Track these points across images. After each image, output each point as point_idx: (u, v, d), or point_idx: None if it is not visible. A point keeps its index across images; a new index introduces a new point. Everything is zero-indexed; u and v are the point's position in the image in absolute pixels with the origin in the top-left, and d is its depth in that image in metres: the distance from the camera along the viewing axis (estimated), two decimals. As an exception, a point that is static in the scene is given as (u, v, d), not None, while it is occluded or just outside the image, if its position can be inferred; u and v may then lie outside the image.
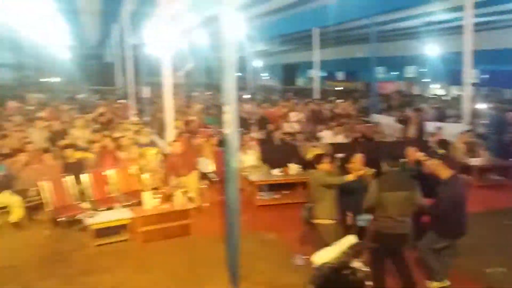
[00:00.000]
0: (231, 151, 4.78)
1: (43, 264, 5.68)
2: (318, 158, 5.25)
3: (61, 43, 30.43)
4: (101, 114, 12.69)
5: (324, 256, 3.55)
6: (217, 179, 8.65)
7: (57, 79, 34.82)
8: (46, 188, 6.64)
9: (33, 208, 7.12)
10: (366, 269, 3.57)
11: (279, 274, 5.34)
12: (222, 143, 10.22)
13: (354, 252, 3.58)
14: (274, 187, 8.40)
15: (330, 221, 4.92)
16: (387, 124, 11.84)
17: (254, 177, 8.06)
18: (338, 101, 16.80)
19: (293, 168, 8.14)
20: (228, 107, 4.64)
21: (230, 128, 4.70)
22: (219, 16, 4.85)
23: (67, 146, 8.05)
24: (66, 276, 5.34)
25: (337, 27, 16.15)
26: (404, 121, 11.39)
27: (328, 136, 10.21)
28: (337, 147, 8.68)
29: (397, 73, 25.21)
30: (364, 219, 4.18)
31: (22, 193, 6.92)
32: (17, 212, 6.75)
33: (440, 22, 14.90)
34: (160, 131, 11.09)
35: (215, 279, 5.21)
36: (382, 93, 21.09)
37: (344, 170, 5.42)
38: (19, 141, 8.55)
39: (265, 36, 20.34)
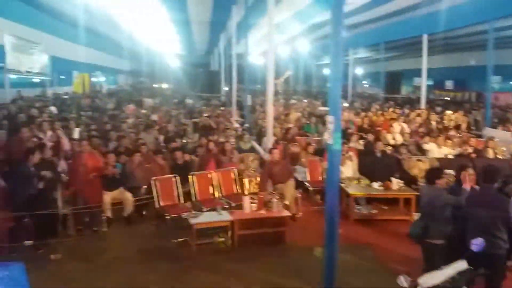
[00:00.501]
0: (333, 162, 4.70)
1: (147, 258, 6.11)
2: (436, 173, 4.96)
3: (172, 52, 32.98)
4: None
5: (432, 279, 3.32)
6: (312, 188, 8.59)
7: (167, 85, 37.67)
8: (156, 187, 7.16)
9: (142, 205, 7.74)
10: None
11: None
12: (319, 152, 10.23)
13: (464, 279, 3.29)
14: (371, 201, 8.12)
15: (442, 242, 4.63)
16: (503, 140, 10.73)
17: (352, 189, 7.84)
18: (448, 112, 15.66)
19: (396, 183, 7.75)
20: (332, 118, 4.56)
21: (333, 138, 4.61)
22: (328, 24, 4.80)
23: (176, 149, 8.61)
24: (168, 271, 5.69)
25: (447, 34, 15.17)
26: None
27: (434, 150, 9.57)
28: (445, 162, 8.12)
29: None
30: (478, 244, 3.81)
31: (134, 190, 7.55)
32: (128, 208, 7.38)
33: None
34: (259, 138, 11.39)
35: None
36: (497, 104, 19.24)
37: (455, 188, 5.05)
38: (133, 142, 9.35)
39: (367, 43, 19.86)
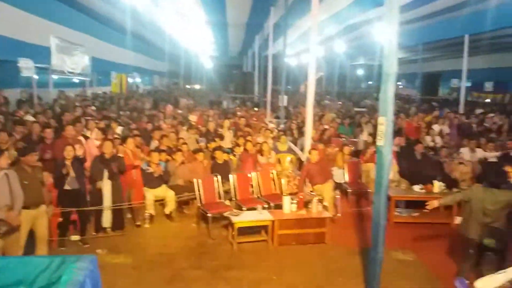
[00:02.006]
0: (383, 164, 4.69)
1: (191, 255, 6.25)
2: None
3: (206, 53, 33.46)
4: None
5: (489, 283, 3.29)
6: (350, 190, 8.56)
7: (199, 86, 38.23)
8: (198, 185, 7.33)
9: (184, 203, 7.93)
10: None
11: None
12: (356, 153, 10.17)
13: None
14: (411, 204, 8.01)
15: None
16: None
17: (392, 192, 7.75)
18: (490, 115, 15.21)
19: (438, 186, 7.64)
20: (383, 119, 4.55)
21: (384, 140, 4.61)
22: (364, 25, 4.80)
23: (216, 148, 8.77)
24: (211, 268, 5.81)
25: (489, 34, 14.75)
26: None
27: (474, 153, 9.34)
28: (487, 165, 7.94)
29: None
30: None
31: (176, 188, 7.74)
32: (171, 205, 7.57)
33: None
34: (295, 139, 11.42)
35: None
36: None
37: None
38: (174, 141, 9.58)
39: (406, 44, 19.51)
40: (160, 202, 7.67)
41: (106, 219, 6.79)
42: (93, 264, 2.84)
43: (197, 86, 39.01)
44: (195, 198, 7.44)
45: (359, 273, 5.53)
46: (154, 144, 9.36)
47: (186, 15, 16.89)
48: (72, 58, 16.20)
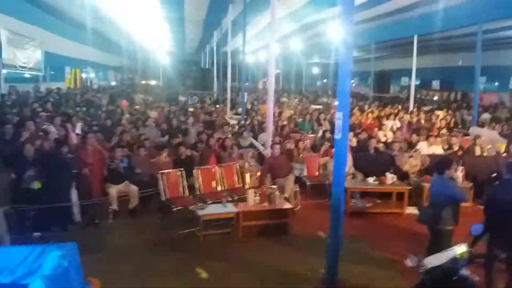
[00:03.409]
0: (340, 157, 5.01)
1: (157, 248, 6.35)
2: (445, 164, 5.35)
3: (161, 49, 33.02)
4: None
5: (436, 260, 3.68)
6: (309, 183, 8.93)
7: (155, 82, 37.70)
8: (162, 180, 7.42)
9: (148, 198, 7.98)
10: (475, 278, 3.63)
11: (374, 279, 5.49)
12: (314, 148, 10.59)
13: (464, 260, 3.66)
14: (365, 195, 8.50)
15: (452, 227, 5.11)
16: (489, 138, 11.22)
17: (348, 183, 8.17)
18: (437, 112, 16.19)
19: (390, 178, 8.15)
20: (341, 114, 4.86)
21: (341, 134, 4.92)
22: (320, 24, 5.10)
23: (179, 144, 8.86)
24: (178, 260, 5.94)
25: (437, 35, 15.68)
26: (508, 135, 10.73)
27: (424, 147, 10.00)
28: (435, 159, 8.53)
29: (497, 83, 23.62)
30: (476, 229, 4.22)
31: (139, 183, 7.78)
32: (134, 200, 7.61)
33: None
34: (255, 135, 11.69)
35: (312, 278, 5.48)
36: (481, 104, 19.87)
37: None
38: (135, 137, 9.57)
39: (358, 43, 20.28)
40: (123, 198, 7.69)
41: (72, 215, 6.75)
42: (74, 251, 2.94)
43: (153, 82, 38.44)
44: (159, 193, 7.53)
45: (320, 260, 5.86)
46: (115, 140, 9.32)
47: (143, 10, 16.69)
48: (24, 52, 15.65)
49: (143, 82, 36.94)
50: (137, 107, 17.38)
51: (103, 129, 10.02)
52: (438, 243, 4.86)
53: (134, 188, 7.60)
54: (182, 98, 22.09)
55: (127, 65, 35.25)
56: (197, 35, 25.24)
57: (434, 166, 5.75)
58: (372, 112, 15.45)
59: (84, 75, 27.09)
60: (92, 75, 30.24)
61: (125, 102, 16.31)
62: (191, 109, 16.76)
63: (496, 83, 23.86)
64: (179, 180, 7.61)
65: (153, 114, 13.68)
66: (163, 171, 7.55)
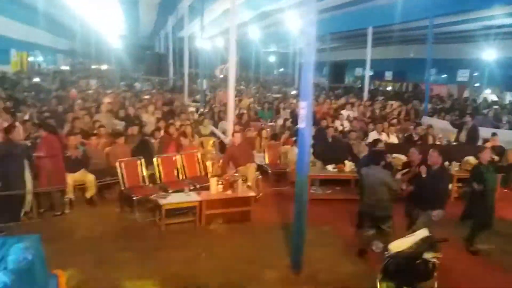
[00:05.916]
0: (304, 144, 5.06)
1: (118, 238, 6.20)
2: (380, 155, 5.72)
3: (114, 33, 31.77)
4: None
5: (400, 245, 3.84)
6: (270, 170, 9.00)
7: (106, 67, 36.28)
8: (121, 169, 7.20)
9: (105, 187, 7.73)
10: (436, 261, 3.83)
11: (338, 262, 5.67)
12: (274, 136, 10.65)
13: (427, 244, 3.84)
14: (324, 182, 8.67)
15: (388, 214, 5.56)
16: (439, 127, 11.79)
17: (309, 171, 8.30)
18: (390, 102, 16.75)
19: (349, 165, 8.36)
20: (304, 103, 4.91)
21: (304, 123, 4.97)
22: (277, 13, 5.10)
23: (136, 131, 8.61)
24: (140, 249, 5.82)
25: (390, 27, 16.15)
26: (458, 125, 11.30)
27: (374, 136, 10.31)
28: (390, 147, 8.84)
29: (446, 75, 24.79)
30: (438, 215, 4.43)
31: (96, 172, 7.51)
32: (91, 190, 7.35)
33: (499, 27, 14.58)
34: (215, 123, 11.59)
35: (277, 264, 5.54)
36: (431, 95, 20.80)
37: None
38: (89, 124, 9.20)
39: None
40: (80, 187, 7.40)
41: (27, 204, 6.42)
42: (37, 243, 2.79)
43: (104, 67, 36.98)
44: (117, 182, 7.31)
45: (283, 246, 5.95)
46: (67, 127, 8.91)
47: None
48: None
49: (95, 66, 35.52)
50: (90, 91, 16.72)
51: (54, 116, 9.54)
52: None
53: (91, 176, 7.34)
54: (137, 84, 21.45)
55: (78, 48, 33.69)
56: (151, 19, 24.52)
57: (371, 158, 6.01)
58: (326, 101, 15.77)
59: (31, 59, 25.59)
60: (40, 58, 28.66)
61: (74, 91, 15.58)
62: (146, 96, 16.30)
63: (445, 75, 24.98)
64: (139, 169, 7.41)
65: (107, 100, 13.17)
66: (121, 159, 7.32)
